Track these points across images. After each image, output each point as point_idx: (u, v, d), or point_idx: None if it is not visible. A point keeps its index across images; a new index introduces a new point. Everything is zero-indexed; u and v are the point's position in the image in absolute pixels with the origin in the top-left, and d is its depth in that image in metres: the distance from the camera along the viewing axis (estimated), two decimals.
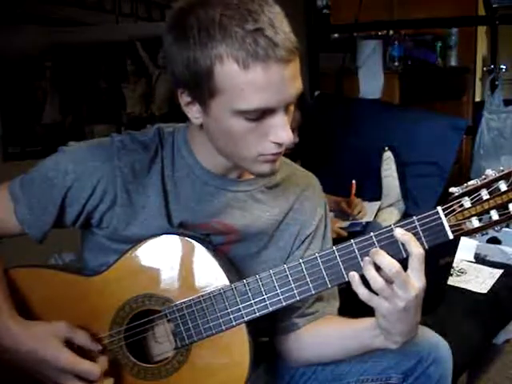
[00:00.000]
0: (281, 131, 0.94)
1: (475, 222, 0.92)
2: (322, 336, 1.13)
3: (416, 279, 0.92)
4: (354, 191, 2.32)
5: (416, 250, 0.91)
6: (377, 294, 0.93)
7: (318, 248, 1.15)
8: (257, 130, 0.94)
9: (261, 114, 0.92)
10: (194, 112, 0.98)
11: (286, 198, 1.14)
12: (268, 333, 1.17)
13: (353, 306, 1.07)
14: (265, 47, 0.87)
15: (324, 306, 1.15)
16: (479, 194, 0.91)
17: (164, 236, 1.02)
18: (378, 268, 0.92)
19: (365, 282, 0.94)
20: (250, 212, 1.09)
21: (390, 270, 0.90)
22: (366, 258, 0.93)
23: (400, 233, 0.92)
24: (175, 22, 0.93)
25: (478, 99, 3.73)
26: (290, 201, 1.14)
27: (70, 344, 0.99)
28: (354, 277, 0.94)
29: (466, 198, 0.91)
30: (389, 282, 0.91)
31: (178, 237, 1.02)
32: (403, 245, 0.92)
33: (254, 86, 0.89)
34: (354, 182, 2.32)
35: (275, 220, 1.12)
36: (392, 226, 0.93)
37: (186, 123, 1.07)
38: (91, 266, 1.09)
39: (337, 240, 0.95)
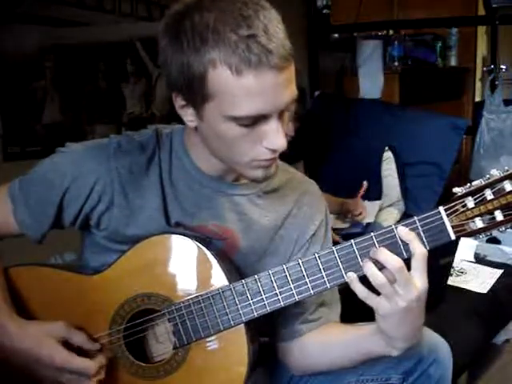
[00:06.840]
0: (274, 137, 0.93)
1: (479, 223, 0.89)
2: (325, 345, 1.11)
3: (419, 279, 0.90)
4: (362, 192, 2.32)
5: (419, 250, 0.90)
6: (377, 294, 0.92)
7: None
8: (250, 135, 0.93)
9: (254, 120, 0.91)
10: (188, 115, 0.97)
11: (284, 204, 1.13)
12: (268, 333, 1.17)
13: (352, 307, 1.07)
14: (258, 54, 0.86)
15: (327, 313, 1.14)
16: (483, 194, 0.88)
17: (164, 235, 1.02)
18: (380, 267, 0.91)
19: (364, 283, 0.92)
20: (248, 216, 1.09)
21: (394, 266, 0.89)
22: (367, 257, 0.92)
23: (403, 231, 0.91)
24: (170, 25, 0.93)
25: (478, 99, 3.73)
26: (288, 206, 1.13)
27: (67, 344, 0.99)
28: (353, 275, 0.93)
29: (470, 198, 0.89)
30: (390, 280, 0.90)
31: (177, 236, 1.02)
32: (406, 245, 0.91)
33: (247, 92, 0.88)
34: (365, 182, 2.32)
35: (274, 225, 1.11)
36: (393, 226, 0.92)
37: (183, 124, 1.07)
38: (91, 266, 1.09)
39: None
